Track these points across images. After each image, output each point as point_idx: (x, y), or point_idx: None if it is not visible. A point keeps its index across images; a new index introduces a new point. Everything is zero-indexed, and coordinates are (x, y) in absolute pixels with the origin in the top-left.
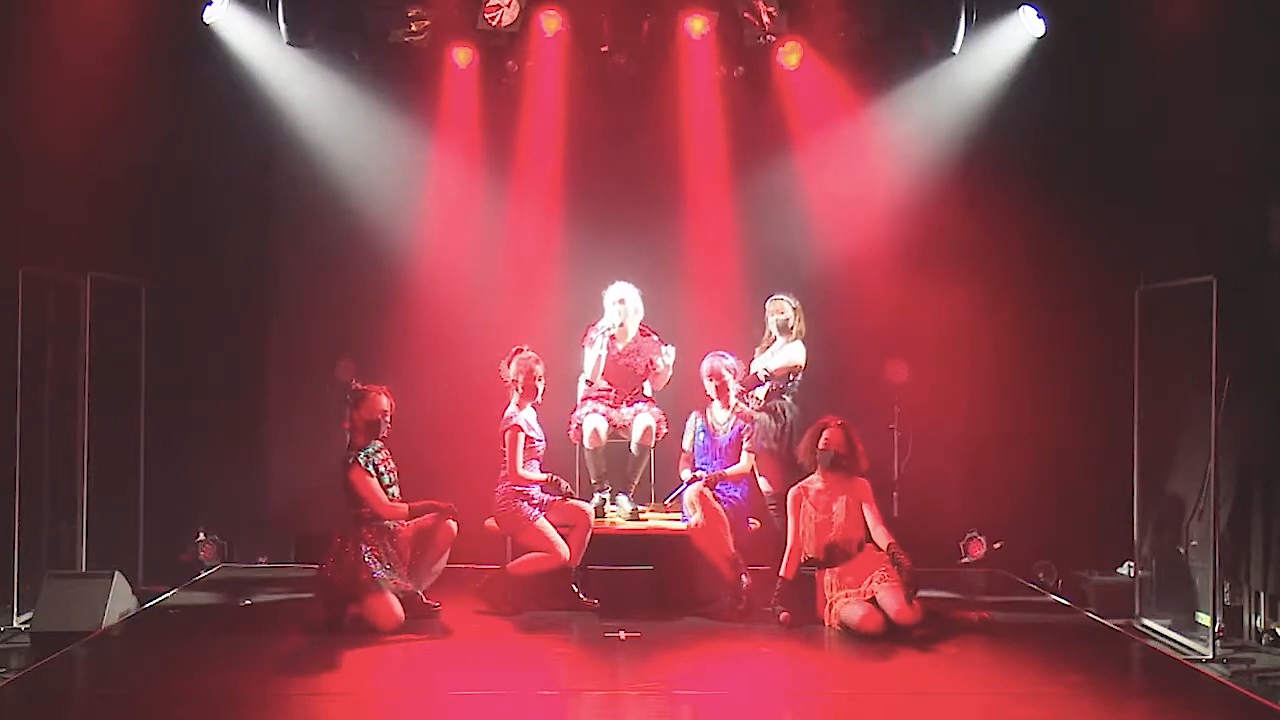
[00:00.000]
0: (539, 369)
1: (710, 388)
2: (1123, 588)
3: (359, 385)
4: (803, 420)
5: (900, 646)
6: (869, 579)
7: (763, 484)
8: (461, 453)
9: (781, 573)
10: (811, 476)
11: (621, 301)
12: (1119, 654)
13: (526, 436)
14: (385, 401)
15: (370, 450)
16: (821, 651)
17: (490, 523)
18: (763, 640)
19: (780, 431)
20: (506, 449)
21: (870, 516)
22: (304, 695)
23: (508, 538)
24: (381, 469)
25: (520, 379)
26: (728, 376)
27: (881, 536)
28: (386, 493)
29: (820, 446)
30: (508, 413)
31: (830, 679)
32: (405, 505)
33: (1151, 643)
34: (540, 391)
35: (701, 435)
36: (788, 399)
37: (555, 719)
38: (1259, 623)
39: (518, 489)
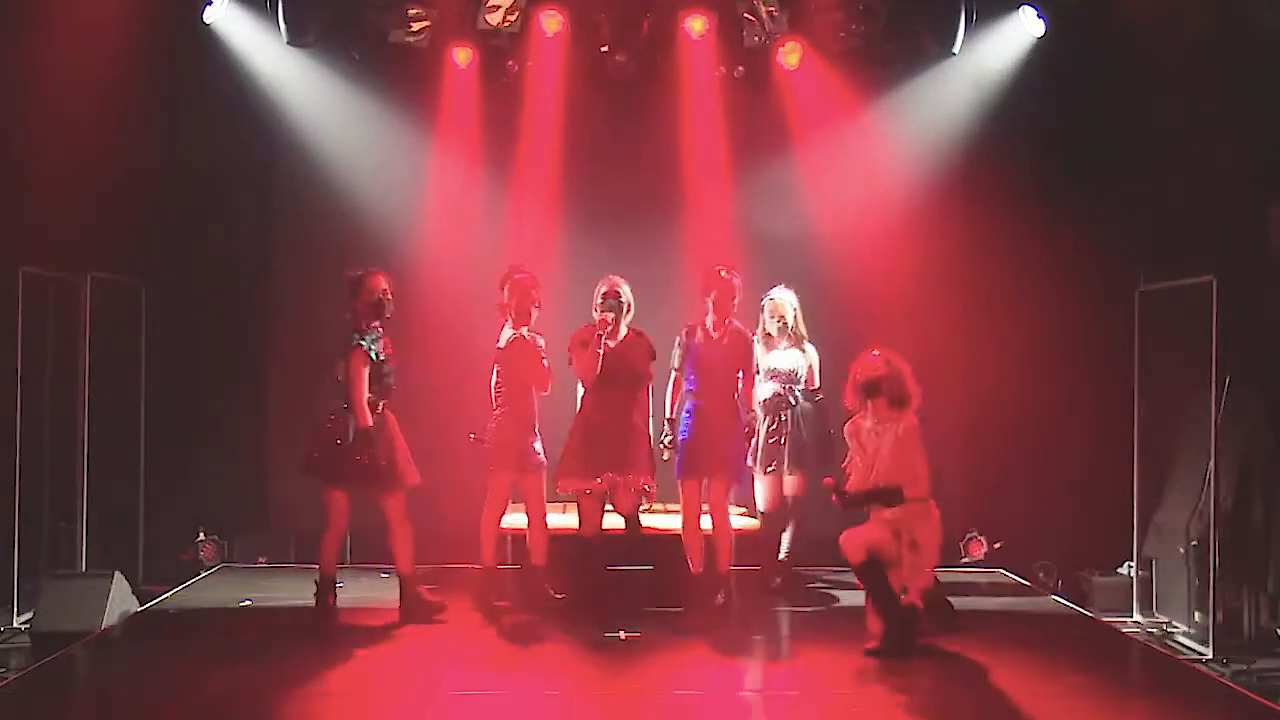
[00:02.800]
0: (535, 292)
1: (712, 302)
2: (1123, 588)
3: (355, 271)
4: (812, 418)
5: (899, 646)
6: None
7: (790, 485)
8: (462, 451)
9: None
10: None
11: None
12: (1119, 654)
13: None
14: (384, 281)
15: (372, 338)
16: (821, 651)
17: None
18: (763, 639)
19: (800, 434)
20: (504, 370)
21: (906, 458)
22: (304, 695)
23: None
24: (383, 356)
25: (513, 302)
26: (737, 292)
27: (908, 483)
28: (384, 381)
29: (858, 376)
30: (505, 336)
31: (830, 679)
32: (370, 420)
33: (1151, 643)
34: (534, 316)
35: (694, 351)
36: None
37: (555, 719)
38: (1259, 623)
39: (531, 428)
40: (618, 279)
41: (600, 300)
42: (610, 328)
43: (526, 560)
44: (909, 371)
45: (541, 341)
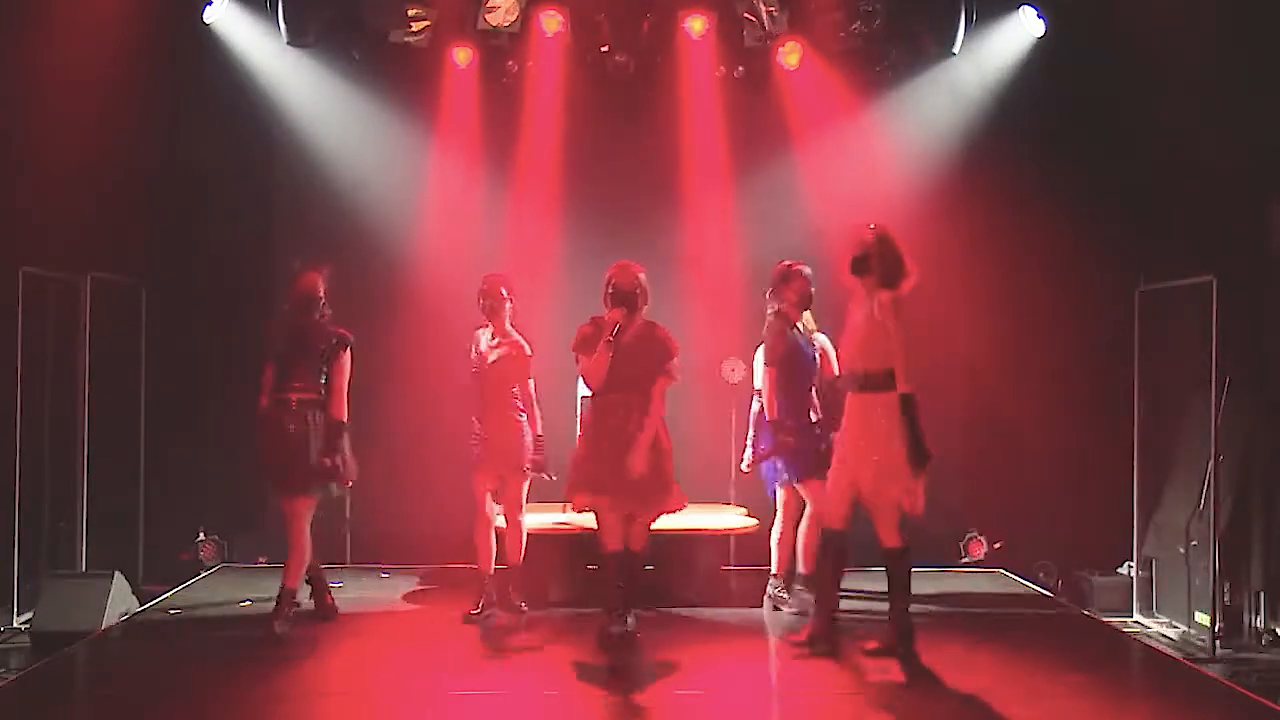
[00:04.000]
0: (505, 289)
1: (800, 299)
2: (1123, 588)
3: (295, 267)
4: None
5: (900, 647)
6: (877, 469)
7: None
8: (460, 452)
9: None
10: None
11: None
12: (1119, 654)
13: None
14: (317, 281)
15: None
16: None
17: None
18: (764, 639)
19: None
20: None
21: (871, 338)
22: (304, 695)
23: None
24: (344, 355)
25: (485, 303)
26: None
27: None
28: (301, 378)
29: (848, 253)
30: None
31: (830, 679)
32: (262, 399)
33: (1151, 643)
34: (507, 310)
35: (801, 350)
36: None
37: (555, 719)
38: (1259, 623)
39: (496, 430)
40: (632, 265)
41: (611, 291)
42: (621, 325)
43: (503, 561)
44: (904, 248)
45: (483, 335)
